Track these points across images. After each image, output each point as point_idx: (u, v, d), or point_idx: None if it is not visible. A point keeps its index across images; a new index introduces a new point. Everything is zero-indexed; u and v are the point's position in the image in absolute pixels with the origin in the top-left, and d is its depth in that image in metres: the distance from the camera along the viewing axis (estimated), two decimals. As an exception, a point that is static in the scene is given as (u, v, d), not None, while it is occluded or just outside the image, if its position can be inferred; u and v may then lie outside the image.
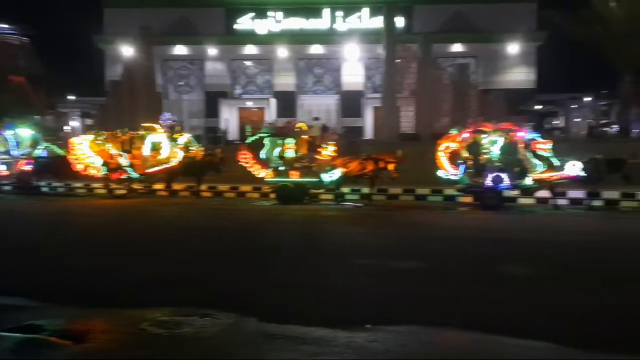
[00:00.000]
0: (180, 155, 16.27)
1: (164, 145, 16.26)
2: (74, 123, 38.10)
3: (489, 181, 13.70)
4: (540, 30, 29.45)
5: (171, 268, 7.04)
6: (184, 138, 16.95)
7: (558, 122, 43.66)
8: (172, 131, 17.25)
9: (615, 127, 29.32)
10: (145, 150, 16.28)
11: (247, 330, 4.65)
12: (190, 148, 16.81)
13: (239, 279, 6.45)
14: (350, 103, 32.03)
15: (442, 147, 14.15)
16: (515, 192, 14.36)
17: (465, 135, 14.03)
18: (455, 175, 14.02)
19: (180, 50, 32.63)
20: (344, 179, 14.88)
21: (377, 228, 11.08)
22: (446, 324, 4.74)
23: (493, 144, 13.72)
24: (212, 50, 32.35)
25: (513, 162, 13.73)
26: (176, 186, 17.18)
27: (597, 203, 14.32)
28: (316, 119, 25.80)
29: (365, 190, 15.51)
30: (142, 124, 17.04)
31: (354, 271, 6.82)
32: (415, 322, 4.76)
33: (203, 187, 16.96)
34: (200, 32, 31.57)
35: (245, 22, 32.27)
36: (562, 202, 14.36)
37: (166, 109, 25.57)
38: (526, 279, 6.42)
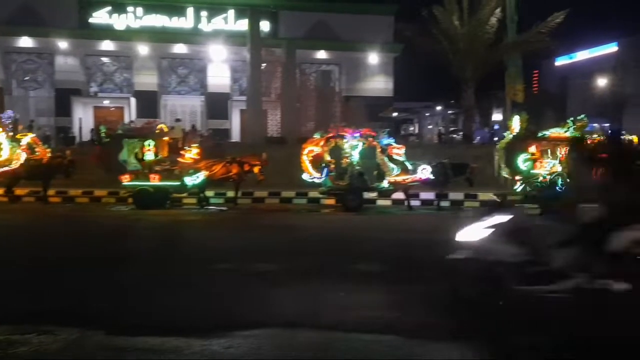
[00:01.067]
0: (23, 156, 14.81)
1: (4, 146, 14.71)
2: None
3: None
4: (397, 42, 31.40)
5: (4, 282, 6.30)
6: (27, 138, 15.42)
7: (413, 128, 47.07)
8: (14, 130, 15.61)
9: (460, 134, 32.25)
10: (-20, 151, 14.61)
11: (92, 346, 4.33)
12: (35, 149, 15.34)
13: (86, 291, 5.97)
14: (217, 105, 31.45)
15: (306, 150, 14.48)
16: (373, 194, 15.11)
17: (328, 139, 14.50)
18: (318, 178, 14.41)
19: (25, 42, 29.55)
20: (208, 182, 14.56)
21: (240, 232, 10.98)
22: (300, 325, 4.81)
23: (353, 149, 14.35)
24: (63, 44, 29.75)
25: (371, 165, 14.49)
26: (18, 191, 15.56)
27: (444, 203, 15.62)
28: (178, 120, 25.04)
29: (230, 193, 15.32)
30: (-23, 123, 15.25)
31: (213, 277, 6.68)
32: (270, 325, 4.78)
33: (51, 192, 15.53)
34: (49, 23, 28.87)
35: (101, 16, 30.17)
36: (414, 203, 15.45)
37: (9, 105, 23.04)
38: (375, 276, 6.76)
